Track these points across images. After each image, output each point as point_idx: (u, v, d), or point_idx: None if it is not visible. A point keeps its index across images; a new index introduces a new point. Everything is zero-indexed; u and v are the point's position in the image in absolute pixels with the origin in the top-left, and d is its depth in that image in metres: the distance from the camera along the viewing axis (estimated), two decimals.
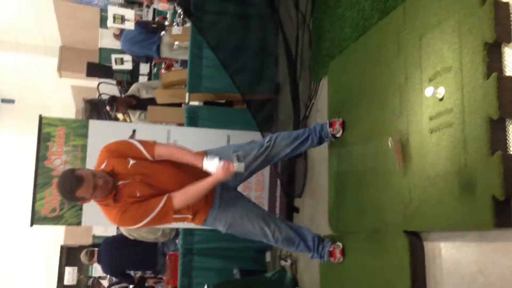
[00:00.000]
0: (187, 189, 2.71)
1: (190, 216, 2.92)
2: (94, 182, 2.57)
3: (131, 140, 2.90)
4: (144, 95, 6.31)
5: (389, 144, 2.64)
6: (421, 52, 2.51)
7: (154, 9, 7.18)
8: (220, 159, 2.73)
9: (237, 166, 2.70)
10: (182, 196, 2.69)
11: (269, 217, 3.09)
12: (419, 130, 2.47)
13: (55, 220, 3.98)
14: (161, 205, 2.66)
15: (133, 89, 6.47)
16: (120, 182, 2.68)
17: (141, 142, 2.82)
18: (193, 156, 2.80)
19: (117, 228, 7.40)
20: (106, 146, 2.81)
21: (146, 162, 2.77)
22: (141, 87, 6.39)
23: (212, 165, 2.71)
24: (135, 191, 2.68)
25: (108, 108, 6.23)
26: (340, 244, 3.15)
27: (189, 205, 2.83)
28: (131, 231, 5.50)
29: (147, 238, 5.57)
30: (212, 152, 2.97)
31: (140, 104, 6.20)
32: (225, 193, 3.00)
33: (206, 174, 2.74)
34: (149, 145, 2.81)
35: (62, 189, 2.63)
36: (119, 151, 2.78)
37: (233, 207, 2.98)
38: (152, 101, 5.81)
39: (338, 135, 3.29)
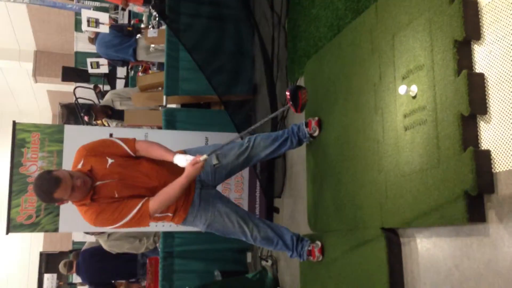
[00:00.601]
0: (161, 192, 2.69)
1: (170, 215, 2.91)
2: (72, 183, 2.53)
3: (111, 138, 2.88)
4: (118, 106, 6.28)
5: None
6: (394, 51, 2.54)
7: (130, 12, 7.12)
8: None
9: (204, 157, 2.65)
10: (157, 201, 2.67)
11: (248, 216, 3.10)
12: (393, 128, 2.50)
13: (31, 227, 3.92)
14: (136, 209, 2.64)
15: (107, 100, 6.42)
16: (98, 183, 2.65)
17: (121, 139, 2.82)
18: (167, 152, 2.79)
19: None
20: (84, 145, 2.78)
21: (125, 161, 2.75)
22: (114, 98, 6.34)
23: (181, 160, 2.69)
24: (113, 192, 2.65)
25: (86, 118, 6.18)
26: (319, 243, 3.16)
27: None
28: (113, 246, 5.43)
29: (129, 251, 5.52)
30: (191, 151, 2.98)
31: (115, 114, 6.17)
32: (205, 192, 3.00)
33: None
34: (129, 141, 2.80)
35: (39, 191, 2.58)
36: (97, 149, 2.75)
37: (212, 206, 2.98)
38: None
39: (315, 134, 3.32)
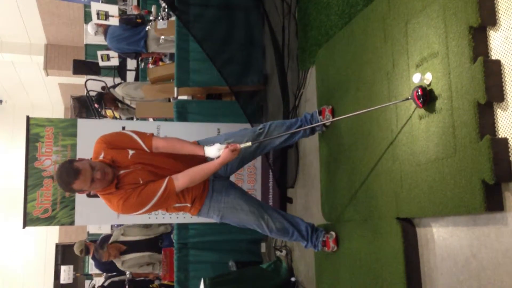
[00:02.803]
0: (190, 170, 2.71)
1: (188, 205, 2.92)
2: (92, 175, 2.55)
3: (128, 131, 2.87)
4: (128, 103, 6.34)
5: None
6: (408, 38, 2.50)
7: (139, 2, 7.10)
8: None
9: (244, 145, 2.77)
10: (184, 177, 2.69)
11: (262, 207, 3.09)
12: (408, 117, 2.47)
13: (47, 220, 3.96)
14: (163, 187, 2.65)
15: (118, 95, 6.45)
16: (122, 171, 2.67)
17: (137, 133, 2.81)
18: (192, 146, 2.82)
19: (111, 226, 7.38)
20: (102, 137, 2.77)
21: (145, 152, 2.76)
22: (125, 96, 6.38)
23: (213, 151, 2.74)
24: (137, 178, 2.67)
25: (96, 105, 6.19)
26: (333, 233, 3.16)
27: (188, 191, 2.83)
28: (126, 268, 5.47)
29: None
30: (204, 142, 2.97)
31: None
32: (218, 183, 2.99)
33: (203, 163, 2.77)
34: (147, 137, 2.80)
35: (59, 180, 2.62)
36: (115, 142, 2.75)
37: (225, 196, 2.98)
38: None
39: (328, 123, 3.29)
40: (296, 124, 3.24)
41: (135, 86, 6.37)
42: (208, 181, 2.94)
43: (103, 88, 7.03)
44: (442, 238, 2.30)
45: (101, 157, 2.70)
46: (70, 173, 2.54)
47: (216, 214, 2.99)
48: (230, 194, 3.01)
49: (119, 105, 6.47)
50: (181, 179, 2.68)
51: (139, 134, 2.81)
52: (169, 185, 2.66)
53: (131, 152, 2.72)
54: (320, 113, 3.31)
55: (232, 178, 4.30)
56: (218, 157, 2.75)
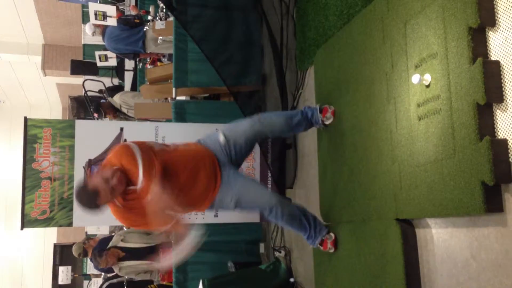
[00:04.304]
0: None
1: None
2: (109, 187, 2.52)
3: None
4: (125, 112, 6.33)
5: None
6: (406, 39, 2.49)
7: (137, 2, 7.08)
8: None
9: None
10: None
11: (271, 193, 3.11)
12: (407, 118, 2.47)
13: (45, 222, 3.94)
14: (164, 228, 2.69)
15: (115, 103, 6.44)
16: (132, 187, 2.61)
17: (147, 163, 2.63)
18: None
19: (109, 227, 7.37)
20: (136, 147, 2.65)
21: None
22: (123, 105, 6.37)
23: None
24: (144, 205, 2.61)
25: (96, 115, 6.20)
26: (332, 235, 3.15)
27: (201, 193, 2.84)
28: (124, 274, 5.45)
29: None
30: (204, 139, 2.98)
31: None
32: (224, 172, 2.92)
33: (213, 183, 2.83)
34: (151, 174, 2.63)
35: (83, 206, 2.60)
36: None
37: (234, 182, 2.91)
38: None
39: (327, 123, 3.27)
40: (297, 116, 3.22)
41: (133, 94, 6.37)
42: (219, 174, 2.88)
43: (100, 91, 7.03)
44: (442, 240, 2.30)
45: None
46: (90, 197, 2.53)
47: (229, 200, 2.90)
48: (239, 179, 2.94)
49: (117, 113, 6.46)
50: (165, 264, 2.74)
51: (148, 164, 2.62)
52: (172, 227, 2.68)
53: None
54: (321, 111, 3.28)
55: None
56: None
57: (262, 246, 4.78)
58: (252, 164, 4.39)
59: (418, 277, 2.43)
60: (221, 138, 2.92)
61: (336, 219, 3.27)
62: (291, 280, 4.07)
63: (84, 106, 8.54)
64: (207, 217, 4.22)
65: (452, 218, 2.22)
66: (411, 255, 2.46)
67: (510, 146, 1.94)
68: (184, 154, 2.84)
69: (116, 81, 8.75)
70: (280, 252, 4.32)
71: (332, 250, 3.13)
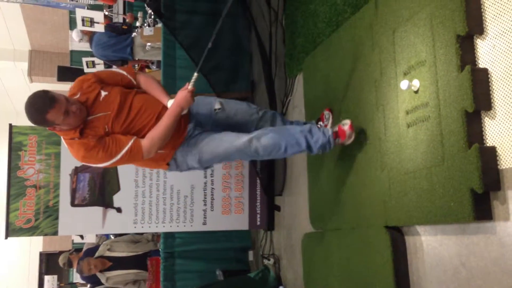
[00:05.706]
0: (151, 133, 2.59)
1: (161, 151, 2.72)
2: (66, 107, 2.44)
3: (117, 69, 2.82)
4: None
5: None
6: (395, 46, 2.50)
7: (125, 4, 7.05)
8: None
9: (191, 86, 2.61)
10: (149, 138, 2.57)
11: (247, 133, 2.77)
12: (396, 125, 2.47)
13: (30, 231, 3.89)
14: (126, 148, 2.54)
15: None
16: (90, 117, 2.56)
17: (122, 68, 2.79)
18: (162, 93, 2.72)
19: (96, 235, 7.28)
20: (93, 73, 2.69)
21: (120, 95, 2.63)
22: None
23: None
24: (104, 126, 2.56)
25: None
26: (347, 121, 2.75)
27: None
28: (111, 284, 5.36)
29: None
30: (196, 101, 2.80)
31: None
32: (198, 131, 2.80)
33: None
34: (133, 72, 2.77)
35: (31, 109, 2.46)
36: (106, 80, 2.66)
37: (203, 137, 2.77)
38: None
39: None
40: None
41: None
42: (185, 129, 2.75)
43: None
44: (431, 247, 2.29)
45: (77, 96, 2.58)
46: (45, 101, 2.42)
47: (194, 155, 2.76)
48: (207, 134, 2.78)
49: None
50: (147, 141, 2.57)
51: (123, 68, 2.81)
52: (134, 145, 2.56)
53: (103, 93, 2.60)
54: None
55: (219, 185, 4.28)
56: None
57: (251, 254, 4.76)
58: (241, 171, 4.38)
59: (408, 285, 2.42)
60: (217, 106, 2.83)
61: (325, 227, 3.26)
62: None
63: None
64: (195, 225, 4.19)
65: (442, 225, 2.22)
66: (401, 262, 2.45)
67: (498, 154, 1.94)
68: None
69: None
70: (269, 259, 4.29)
71: (353, 136, 2.73)
